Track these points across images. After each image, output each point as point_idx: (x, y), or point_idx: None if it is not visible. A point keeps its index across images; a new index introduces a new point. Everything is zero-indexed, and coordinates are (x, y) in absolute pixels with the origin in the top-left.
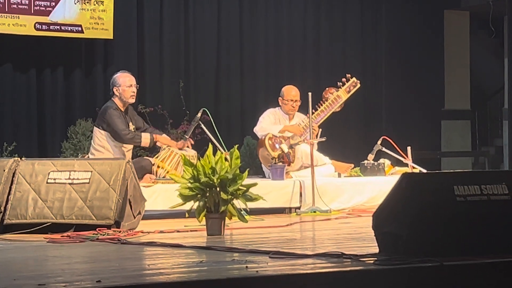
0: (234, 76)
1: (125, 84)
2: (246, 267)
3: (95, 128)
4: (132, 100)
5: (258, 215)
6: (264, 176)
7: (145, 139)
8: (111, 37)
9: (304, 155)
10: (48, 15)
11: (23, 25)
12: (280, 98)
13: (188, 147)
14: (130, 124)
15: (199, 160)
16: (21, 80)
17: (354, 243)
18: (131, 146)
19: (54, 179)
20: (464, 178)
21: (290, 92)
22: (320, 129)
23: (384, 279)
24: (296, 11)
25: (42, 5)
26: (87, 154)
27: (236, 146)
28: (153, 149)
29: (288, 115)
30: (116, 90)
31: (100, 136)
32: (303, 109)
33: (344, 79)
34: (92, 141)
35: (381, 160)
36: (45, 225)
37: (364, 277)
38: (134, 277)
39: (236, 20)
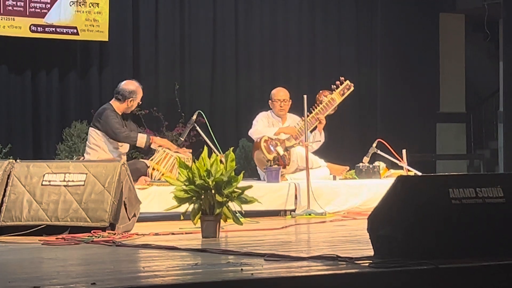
0: (229, 79)
1: (137, 100)
2: (241, 269)
3: (90, 128)
4: (128, 111)
5: (253, 217)
6: (259, 179)
7: (141, 138)
8: (107, 39)
9: (300, 157)
10: (43, 17)
11: (18, 27)
12: (269, 100)
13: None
14: (125, 127)
15: (194, 162)
16: (16, 82)
17: (349, 246)
18: (126, 148)
19: (49, 181)
20: (459, 181)
21: (278, 92)
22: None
23: (379, 282)
24: (291, 15)
25: (38, 7)
26: (82, 156)
27: (232, 148)
28: (148, 151)
29: (280, 118)
30: (131, 101)
31: (95, 136)
32: (299, 111)
33: (338, 82)
34: (87, 141)
35: (376, 163)
36: (40, 227)
37: (359, 280)
38: (129, 280)
39: (231, 22)
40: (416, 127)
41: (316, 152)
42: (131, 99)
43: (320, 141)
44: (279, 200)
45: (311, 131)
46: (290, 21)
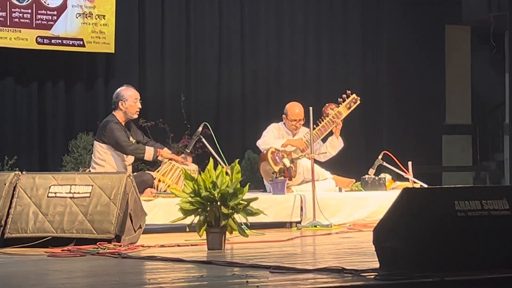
0: (235, 90)
1: (132, 99)
2: (247, 282)
3: (95, 142)
4: (136, 116)
5: (258, 229)
6: (265, 190)
7: (149, 151)
8: (113, 51)
9: (306, 169)
10: (50, 29)
11: (24, 39)
12: (283, 115)
13: (186, 161)
14: (131, 138)
15: (200, 174)
16: (22, 93)
17: (355, 258)
18: (132, 159)
19: (55, 193)
20: (465, 193)
21: (294, 111)
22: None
23: None
24: (297, 27)
25: (44, 19)
26: (88, 168)
27: (237, 160)
28: (154, 163)
29: (291, 132)
30: (122, 104)
31: (101, 150)
32: (305, 123)
33: (344, 95)
34: (92, 155)
35: (382, 175)
36: (45, 239)
37: None
38: None
39: (237, 34)
40: (422, 139)
41: (322, 164)
42: (120, 101)
43: (325, 153)
44: (285, 212)
45: (322, 140)
46: (297, 34)
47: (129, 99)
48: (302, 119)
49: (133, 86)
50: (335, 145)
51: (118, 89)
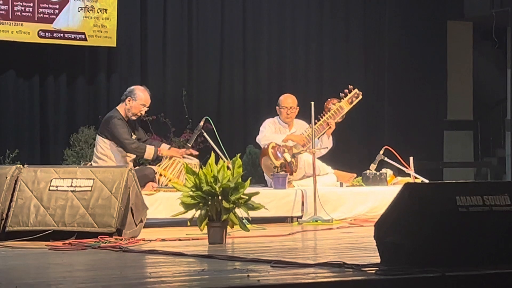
0: (237, 85)
1: (141, 101)
2: (248, 276)
3: (98, 136)
4: (134, 118)
5: (260, 224)
6: (266, 185)
7: (149, 150)
8: (115, 45)
9: (307, 164)
10: (51, 23)
11: (26, 33)
12: (277, 106)
13: (191, 154)
14: (133, 134)
15: (201, 168)
16: (24, 87)
17: (355, 253)
18: (134, 156)
19: (56, 186)
20: (466, 188)
21: (286, 99)
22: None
23: None
24: (299, 23)
25: (46, 13)
26: (90, 161)
27: (239, 154)
28: (156, 158)
29: (288, 124)
30: (129, 100)
31: (103, 145)
32: (306, 118)
33: (346, 90)
34: (95, 149)
35: (383, 170)
36: (46, 232)
37: (365, 287)
38: (136, 285)
39: (239, 29)
40: (424, 135)
41: (323, 159)
42: (129, 97)
43: (327, 148)
44: (286, 207)
45: (319, 138)
46: (299, 28)
47: (138, 100)
48: (295, 108)
49: (135, 81)
50: (325, 144)
51: (135, 86)
